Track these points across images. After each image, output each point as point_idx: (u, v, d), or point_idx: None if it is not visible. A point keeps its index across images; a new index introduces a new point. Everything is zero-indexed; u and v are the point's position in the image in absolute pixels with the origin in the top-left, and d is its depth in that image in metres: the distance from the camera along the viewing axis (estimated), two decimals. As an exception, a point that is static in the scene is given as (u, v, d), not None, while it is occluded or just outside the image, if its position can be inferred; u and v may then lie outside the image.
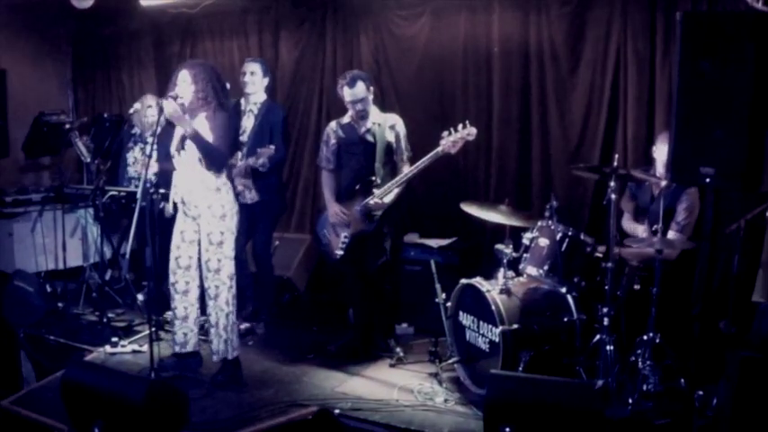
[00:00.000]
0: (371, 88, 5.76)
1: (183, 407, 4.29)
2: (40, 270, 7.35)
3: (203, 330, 5.63)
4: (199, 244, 5.31)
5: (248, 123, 6.40)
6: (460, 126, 5.33)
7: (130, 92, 8.81)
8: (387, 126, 5.74)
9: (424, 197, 7.01)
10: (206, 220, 5.22)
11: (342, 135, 5.85)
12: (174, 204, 5.44)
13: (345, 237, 5.75)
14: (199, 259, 5.35)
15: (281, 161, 6.47)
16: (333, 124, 5.96)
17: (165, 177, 5.88)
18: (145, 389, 4.00)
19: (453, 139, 5.32)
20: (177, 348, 5.47)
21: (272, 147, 5.93)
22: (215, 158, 5.19)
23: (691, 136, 4.14)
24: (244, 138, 6.34)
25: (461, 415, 4.82)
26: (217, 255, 5.25)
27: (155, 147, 5.32)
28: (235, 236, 5.35)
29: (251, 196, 6.31)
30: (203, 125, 5.20)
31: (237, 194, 5.70)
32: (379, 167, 5.68)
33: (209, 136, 5.16)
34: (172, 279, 5.40)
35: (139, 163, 7.11)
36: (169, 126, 5.61)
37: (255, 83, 6.40)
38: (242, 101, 6.47)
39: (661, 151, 5.28)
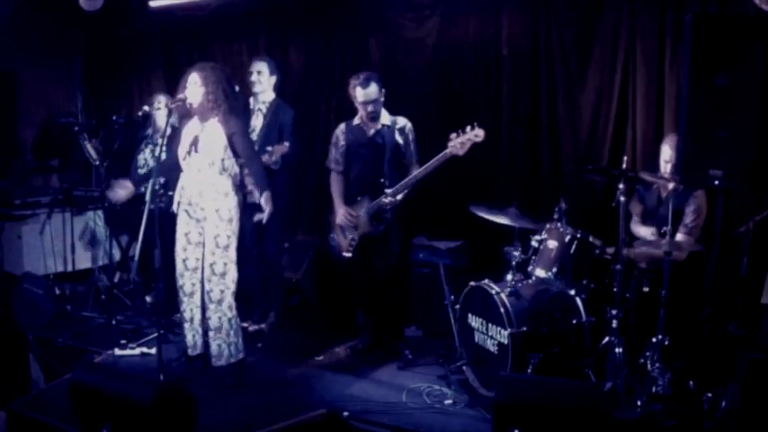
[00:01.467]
0: (383, 90, 5.75)
1: (192, 409, 4.28)
2: (48, 272, 7.36)
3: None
4: (203, 246, 5.31)
5: (257, 122, 6.41)
6: (468, 128, 5.31)
7: (139, 94, 8.83)
8: (396, 128, 5.74)
9: (432, 199, 6.99)
10: (213, 223, 5.21)
11: (351, 137, 5.84)
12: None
13: (353, 239, 5.75)
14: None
15: (291, 160, 6.47)
16: (342, 126, 5.95)
17: (174, 180, 5.89)
18: (153, 391, 4.01)
19: (461, 140, 5.30)
20: (189, 351, 5.46)
21: (287, 144, 5.91)
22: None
23: (700, 138, 4.13)
24: (253, 137, 6.32)
25: (470, 417, 4.82)
26: (223, 258, 5.24)
27: (164, 149, 5.33)
28: (237, 240, 5.35)
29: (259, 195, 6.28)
30: (217, 130, 5.21)
31: (246, 194, 5.69)
32: (388, 170, 5.68)
33: (223, 141, 5.18)
34: (179, 282, 5.40)
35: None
36: (178, 127, 5.61)
37: (262, 82, 6.41)
38: (251, 100, 6.48)
39: (664, 152, 5.28)
